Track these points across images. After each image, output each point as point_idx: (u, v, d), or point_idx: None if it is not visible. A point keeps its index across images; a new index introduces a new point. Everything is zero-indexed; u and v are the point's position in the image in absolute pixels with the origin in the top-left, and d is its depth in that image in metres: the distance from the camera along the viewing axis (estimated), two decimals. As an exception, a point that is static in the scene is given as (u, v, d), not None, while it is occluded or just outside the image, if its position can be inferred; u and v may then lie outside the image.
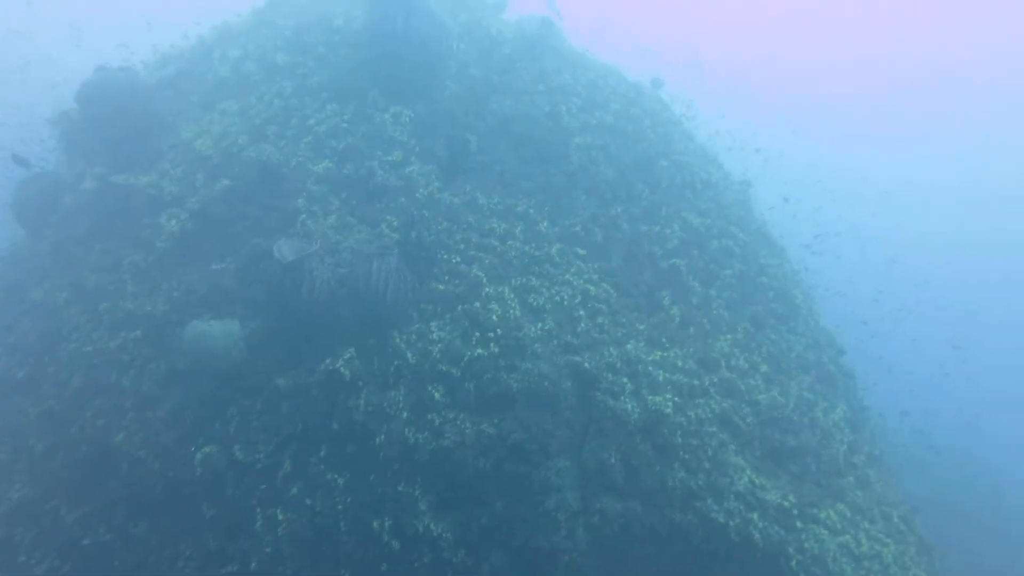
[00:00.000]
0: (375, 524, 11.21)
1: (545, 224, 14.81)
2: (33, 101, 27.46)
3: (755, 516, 10.93)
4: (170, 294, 13.96)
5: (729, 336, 14.07)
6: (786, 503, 11.35)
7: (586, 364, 12.29)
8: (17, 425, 13.77)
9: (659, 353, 12.83)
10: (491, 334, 12.53)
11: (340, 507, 11.43)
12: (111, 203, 16.15)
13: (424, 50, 15.99)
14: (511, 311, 12.92)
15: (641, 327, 13.46)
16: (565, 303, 13.32)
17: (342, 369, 12.01)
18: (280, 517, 11.43)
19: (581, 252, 14.55)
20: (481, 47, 18.09)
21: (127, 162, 17.01)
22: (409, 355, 12.29)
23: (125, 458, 12.52)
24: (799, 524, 11.21)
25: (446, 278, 13.40)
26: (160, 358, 13.28)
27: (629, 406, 11.73)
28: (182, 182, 15.70)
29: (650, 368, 12.40)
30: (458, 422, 11.78)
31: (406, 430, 11.75)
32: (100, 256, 15.53)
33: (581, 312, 13.21)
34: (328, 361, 12.20)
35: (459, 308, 12.97)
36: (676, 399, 12.03)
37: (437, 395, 11.94)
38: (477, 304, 12.97)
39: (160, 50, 21.68)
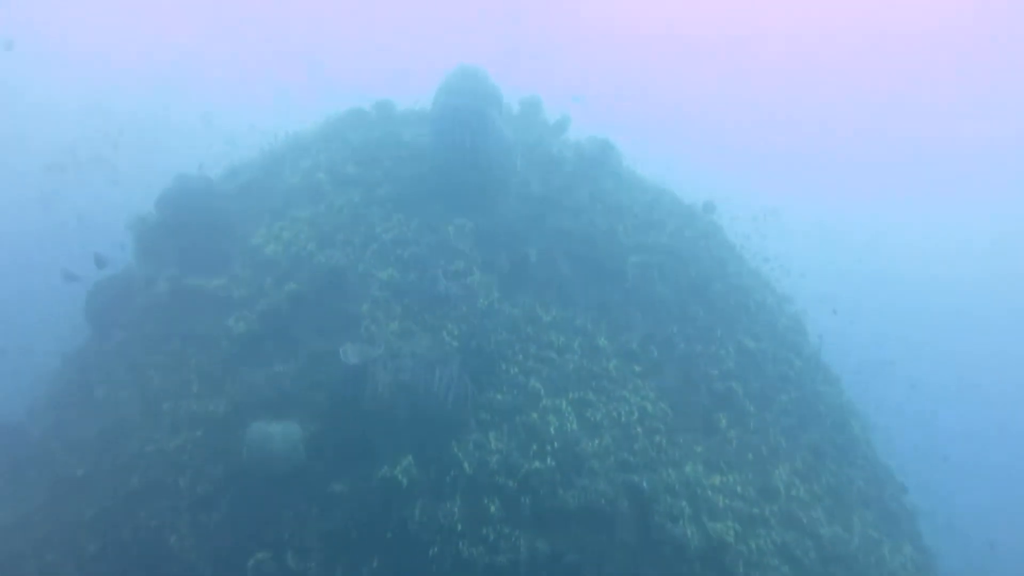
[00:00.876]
0: (426, 640, 10.90)
1: (603, 339, 14.94)
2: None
3: (822, 656, 10.45)
4: (233, 395, 14.22)
5: (788, 464, 13.80)
6: (855, 644, 10.86)
7: (644, 484, 12.10)
8: (71, 526, 13.85)
9: (718, 477, 12.61)
10: (548, 447, 12.46)
11: (391, 621, 11.19)
12: (181, 305, 16.71)
13: (489, 168, 16.68)
14: (568, 425, 12.89)
15: (699, 449, 13.29)
16: (622, 420, 13.26)
17: (400, 476, 11.99)
18: (329, 629, 11.20)
19: (637, 369, 14.58)
20: (542, 166, 18.80)
21: (199, 265, 17.71)
22: (466, 465, 12.24)
23: (177, 562, 12.43)
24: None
25: (504, 388, 13.47)
26: (218, 459, 13.39)
27: (689, 531, 11.46)
28: (250, 285, 16.26)
29: (709, 493, 12.16)
30: (513, 538, 11.55)
31: (460, 543, 11.55)
32: (166, 356, 15.93)
33: (638, 430, 13.12)
34: (386, 468, 12.19)
35: (517, 419, 12.97)
36: (737, 527, 11.73)
37: (493, 508, 11.79)
38: (535, 416, 12.97)
39: (232, 160, 22.95)
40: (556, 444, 12.52)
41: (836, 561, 12.30)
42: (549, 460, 12.30)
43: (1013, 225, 62.35)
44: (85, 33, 62.95)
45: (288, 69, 64.70)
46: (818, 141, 69.92)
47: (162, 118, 49.18)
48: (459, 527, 11.69)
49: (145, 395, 15.24)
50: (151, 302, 17.57)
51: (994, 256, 59.89)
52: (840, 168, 68.06)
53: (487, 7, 72.18)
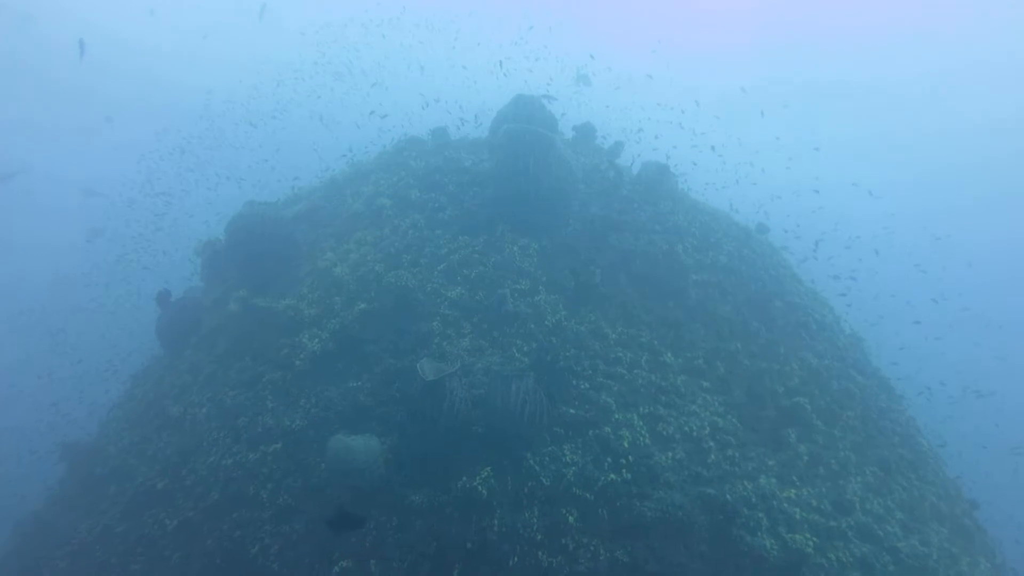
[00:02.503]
0: (508, 650, 11.08)
1: (669, 355, 15.15)
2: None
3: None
4: (308, 410, 14.62)
5: (859, 479, 13.84)
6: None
7: (720, 496, 12.25)
8: (154, 536, 14.25)
9: (792, 491, 12.69)
10: (623, 460, 12.67)
11: (472, 630, 11.38)
12: (250, 324, 17.22)
13: (552, 190, 17.08)
14: (641, 439, 13.09)
15: (771, 463, 13.39)
16: (694, 434, 13.43)
17: (480, 487, 12.25)
18: (413, 637, 11.41)
19: (705, 384, 14.75)
20: (601, 188, 19.18)
21: (265, 287, 18.28)
22: (543, 477, 12.48)
23: (260, 571, 12.75)
24: None
25: (576, 403, 13.72)
26: (298, 472, 13.76)
27: (768, 543, 11.56)
28: (319, 305, 16.75)
29: (785, 505, 12.26)
30: (592, 548, 11.76)
31: (540, 553, 11.76)
32: (238, 374, 16.41)
33: (711, 443, 13.27)
34: (465, 479, 12.47)
35: (590, 433, 13.20)
36: (815, 539, 11.81)
37: (571, 519, 12.00)
38: (608, 430, 13.20)
39: (294, 187, 23.68)
40: (630, 457, 12.72)
41: (915, 574, 12.28)
42: (624, 472, 12.51)
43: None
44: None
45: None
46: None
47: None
48: (538, 537, 11.92)
49: (221, 411, 15.68)
50: (221, 322, 18.14)
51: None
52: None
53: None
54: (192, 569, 13.36)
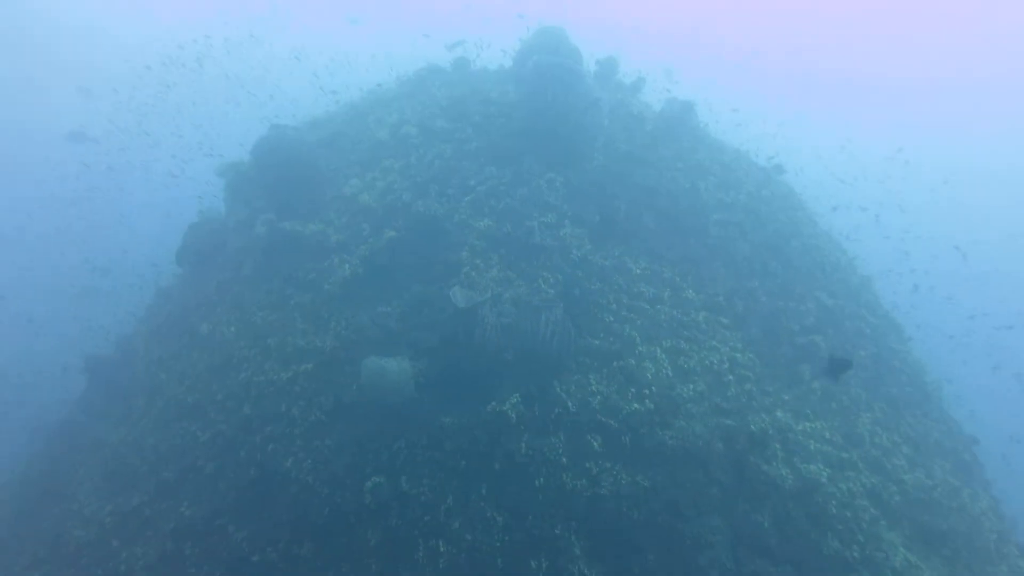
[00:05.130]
0: (532, 564, 11.69)
1: (690, 292, 15.54)
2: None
3: (914, 593, 11.16)
4: (338, 332, 15.02)
5: (869, 414, 14.41)
6: (944, 584, 11.55)
7: (738, 427, 12.79)
8: (186, 447, 14.80)
9: (807, 424, 13.26)
10: (646, 391, 13.16)
11: (498, 544, 11.96)
12: (279, 247, 17.49)
13: (579, 124, 17.19)
14: (664, 371, 13.57)
15: (786, 397, 13.92)
16: (714, 367, 13.91)
17: (509, 412, 12.75)
18: (441, 549, 11.99)
19: (725, 321, 15.19)
20: (625, 124, 19.26)
21: (290, 211, 18.48)
22: (570, 404, 12.98)
23: (294, 483, 13.30)
24: (959, 606, 11.37)
25: (602, 335, 14.15)
26: (329, 391, 14.23)
27: (783, 472, 12.15)
28: (347, 231, 17.00)
29: (800, 437, 12.83)
30: (614, 472, 12.33)
31: (564, 476, 12.33)
32: (267, 295, 16.77)
33: (730, 377, 13.77)
34: (494, 404, 12.97)
35: (615, 364, 13.66)
36: (827, 470, 12.40)
37: (596, 444, 12.55)
38: (632, 361, 13.66)
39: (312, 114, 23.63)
40: (653, 388, 13.21)
41: (920, 505, 12.94)
42: (647, 402, 13.01)
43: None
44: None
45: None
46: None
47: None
48: (563, 460, 12.47)
49: (250, 331, 16.08)
50: (248, 245, 18.38)
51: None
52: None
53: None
54: (225, 479, 13.91)
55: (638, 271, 15.67)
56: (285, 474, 13.41)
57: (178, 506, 13.87)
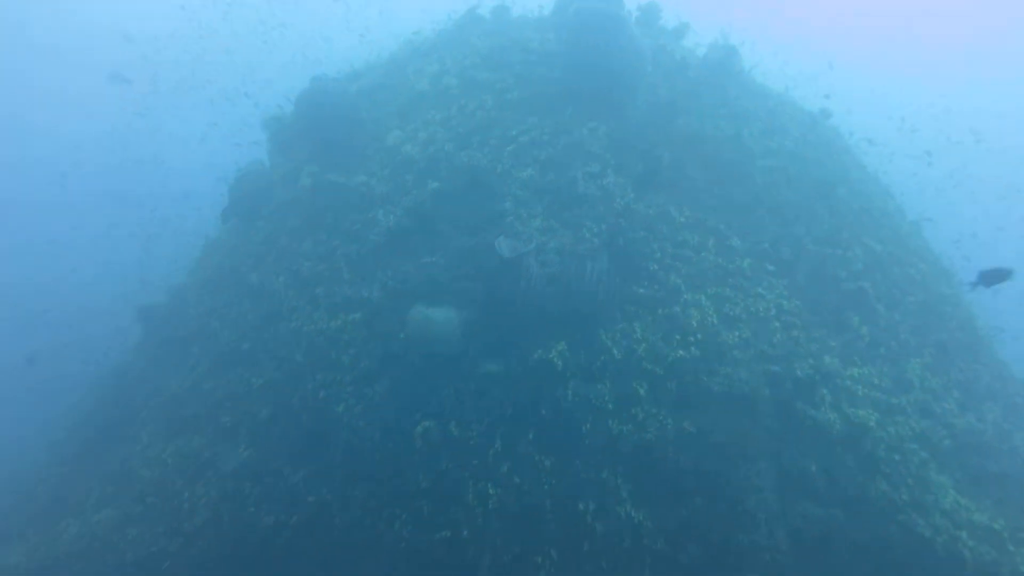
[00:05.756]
0: (580, 506, 11.97)
1: (735, 239, 15.45)
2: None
3: (963, 534, 11.17)
4: (385, 283, 15.27)
5: (918, 360, 14.32)
6: (996, 525, 11.53)
7: (785, 373, 12.83)
8: (241, 393, 15.29)
9: (855, 369, 13.24)
10: (691, 338, 13.24)
11: (546, 487, 12.26)
12: (324, 199, 17.71)
13: (621, 71, 16.99)
14: (709, 318, 13.60)
15: (833, 344, 13.89)
16: (760, 314, 13.90)
17: (555, 359, 12.94)
18: (491, 492, 12.33)
19: (770, 268, 15.10)
20: (667, 71, 18.98)
21: (333, 163, 18.65)
22: (615, 351, 13.12)
23: (345, 428, 13.72)
24: (1011, 548, 11.35)
25: (646, 283, 14.20)
26: (377, 340, 14.54)
27: (831, 417, 12.20)
28: (391, 182, 17.14)
29: (848, 383, 12.83)
30: (660, 418, 12.49)
31: (610, 422, 12.54)
32: (313, 246, 17.05)
33: (776, 324, 13.76)
34: (540, 352, 13.16)
35: (660, 312, 13.73)
36: (876, 415, 12.41)
37: (641, 391, 12.70)
38: (677, 309, 13.71)
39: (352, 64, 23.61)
40: (699, 335, 13.28)
41: (971, 448, 12.94)
42: (693, 349, 13.10)
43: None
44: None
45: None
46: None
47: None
48: (610, 407, 12.67)
49: (298, 281, 16.41)
50: (293, 196, 18.67)
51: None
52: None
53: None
54: (280, 424, 14.39)
55: (682, 219, 15.60)
56: (337, 420, 13.83)
57: (236, 449, 14.41)
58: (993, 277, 12.39)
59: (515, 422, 12.95)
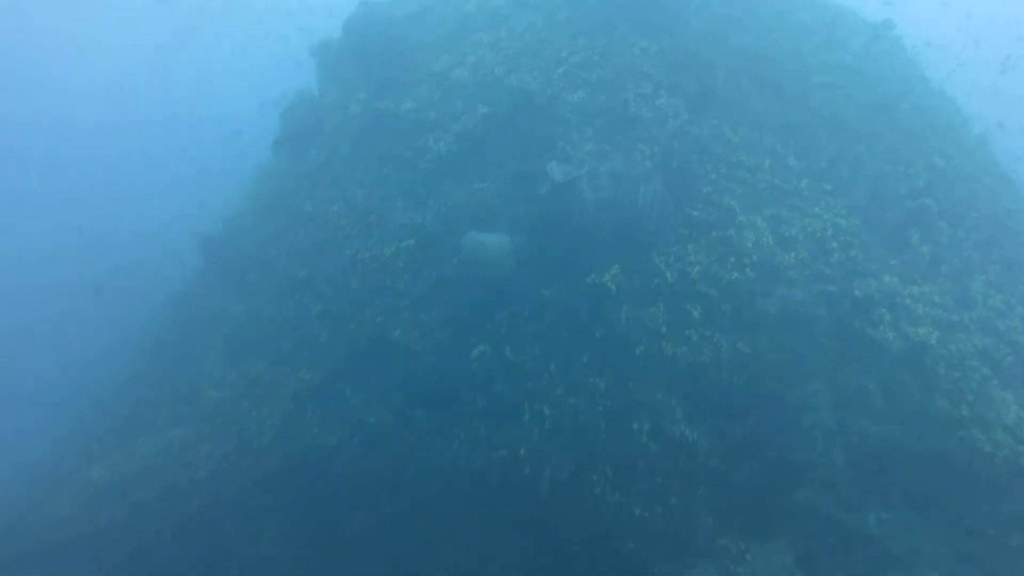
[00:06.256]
0: (634, 426, 12.16)
1: (792, 159, 15.10)
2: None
3: (1025, 449, 11.13)
4: (437, 209, 15.36)
5: (982, 277, 13.97)
6: (1058, 440, 11.43)
7: (842, 293, 12.69)
8: (300, 319, 15.70)
9: (915, 288, 13.00)
10: (746, 260, 13.12)
11: (601, 408, 12.47)
12: (375, 126, 17.74)
13: (673, -14, 16.45)
14: (764, 239, 13.44)
15: (893, 262, 13.63)
16: (817, 235, 13.68)
17: (609, 283, 12.98)
18: (546, 412, 12.59)
19: (828, 188, 14.77)
20: (721, -17, 18.28)
21: (383, 89, 18.57)
22: (668, 275, 13.09)
23: (403, 352, 14.05)
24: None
25: (700, 206, 14.03)
26: (431, 265, 14.72)
27: (890, 336, 12.07)
28: (441, 108, 17.05)
29: (908, 301, 12.63)
30: (714, 340, 12.52)
31: (664, 344, 12.60)
32: (365, 174, 17.17)
33: (833, 244, 13.53)
34: (593, 276, 13.19)
35: (714, 234, 13.60)
36: (936, 332, 12.24)
37: (695, 313, 12.70)
38: (731, 231, 13.56)
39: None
40: (754, 257, 13.15)
41: (1037, 364, 12.70)
42: (748, 271, 13.01)
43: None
44: None
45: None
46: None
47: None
48: (663, 329, 12.72)
49: (352, 209, 16.60)
50: (344, 124, 18.73)
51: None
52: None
53: None
54: (339, 348, 14.79)
55: (737, 140, 15.27)
56: (394, 344, 14.16)
57: (297, 372, 14.90)
58: None
59: (569, 345, 13.10)
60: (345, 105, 18.97)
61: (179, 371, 17.56)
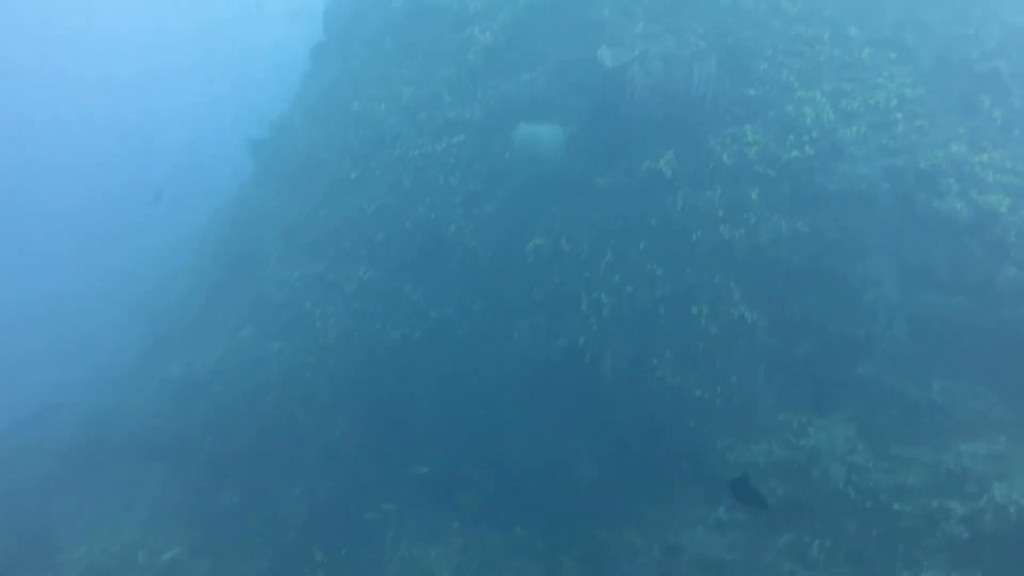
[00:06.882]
0: (693, 310, 12.22)
1: (853, 29, 14.39)
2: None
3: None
4: (486, 103, 15.17)
5: (1061, 135, 13.31)
6: None
7: (907, 165, 12.30)
8: (356, 219, 15.86)
9: (985, 155, 12.48)
10: (806, 137, 12.75)
11: (659, 294, 12.52)
12: (415, 21, 17.40)
13: None
14: (825, 114, 13.00)
15: (961, 130, 13.05)
16: (880, 106, 13.15)
17: (664, 169, 12.79)
18: (604, 301, 12.70)
19: (892, 56, 14.09)
20: None
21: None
22: (725, 157, 12.83)
23: (459, 247, 14.18)
24: None
25: (757, 84, 13.59)
26: (483, 160, 14.65)
27: (957, 205, 11.72)
28: (483, -1, 16.60)
29: (976, 169, 12.16)
30: (773, 220, 12.34)
31: (721, 228, 12.47)
32: (411, 71, 16.95)
33: (898, 115, 13.00)
34: (648, 162, 13.00)
35: (771, 113, 13.21)
36: (1008, 199, 11.81)
37: (753, 195, 12.49)
38: (790, 108, 13.15)
39: None
40: (814, 134, 12.76)
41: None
42: (807, 149, 12.65)
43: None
44: None
45: None
46: None
47: None
48: (720, 213, 12.56)
49: (400, 107, 16.48)
50: (387, 20, 18.40)
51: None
52: None
53: None
54: (395, 246, 14.97)
55: (795, 11, 14.59)
56: (450, 239, 14.28)
57: (357, 270, 15.19)
58: None
59: (625, 234, 13.06)
60: (386, 1, 18.59)
61: (242, 272, 18.05)
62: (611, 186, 13.30)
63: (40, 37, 49.87)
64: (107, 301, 28.96)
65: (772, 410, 11.71)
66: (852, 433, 11.02)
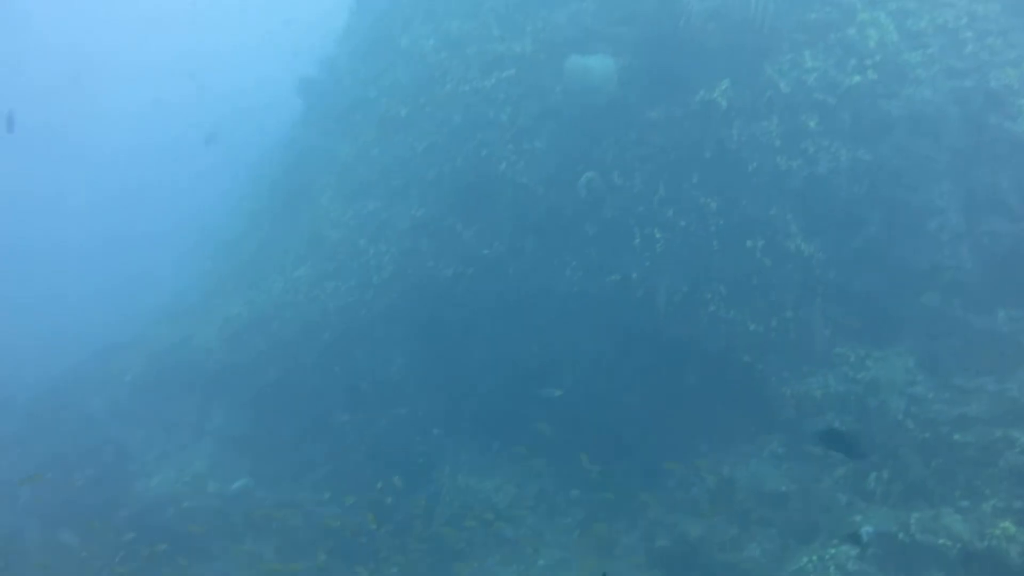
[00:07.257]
0: (748, 243, 12.04)
1: (921, -56, 13.66)
2: None
3: None
4: (536, 35, 14.86)
5: None
6: None
7: (977, 86, 11.78)
8: (407, 157, 15.88)
9: (1068, 65, 11.87)
10: (868, 61, 12.24)
11: (713, 228, 12.34)
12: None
13: None
14: (888, 36, 12.44)
15: (1041, 44, 12.43)
16: (949, 26, 12.52)
17: (719, 99, 12.46)
18: (657, 235, 12.58)
19: (963, -30, 13.37)
20: None
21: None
22: (782, 85, 12.43)
23: (509, 184, 14.11)
24: None
25: (817, 6, 13.01)
26: (534, 95, 14.43)
27: (1030, 125, 11.25)
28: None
29: (1058, 88, 11.61)
30: (832, 149, 11.99)
31: (778, 158, 12.17)
32: (459, 4, 16.66)
33: (967, 34, 12.37)
34: (702, 92, 12.67)
35: (832, 36, 12.68)
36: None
37: (812, 124, 12.13)
38: (852, 31, 12.60)
39: None
40: (877, 57, 12.25)
41: None
42: (870, 73, 12.17)
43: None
44: None
45: None
46: None
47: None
48: (777, 143, 12.24)
49: (448, 42, 16.27)
50: (432, -49, 18.02)
51: None
52: None
53: None
54: (447, 184, 14.97)
55: (857, -74, 13.85)
56: (501, 176, 14.20)
57: (409, 209, 15.28)
58: None
59: (678, 167, 12.84)
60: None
61: (297, 212, 18.34)
62: (664, 118, 13.03)
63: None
64: (169, 242, 29.83)
65: (828, 343, 11.59)
66: (912, 365, 10.87)
